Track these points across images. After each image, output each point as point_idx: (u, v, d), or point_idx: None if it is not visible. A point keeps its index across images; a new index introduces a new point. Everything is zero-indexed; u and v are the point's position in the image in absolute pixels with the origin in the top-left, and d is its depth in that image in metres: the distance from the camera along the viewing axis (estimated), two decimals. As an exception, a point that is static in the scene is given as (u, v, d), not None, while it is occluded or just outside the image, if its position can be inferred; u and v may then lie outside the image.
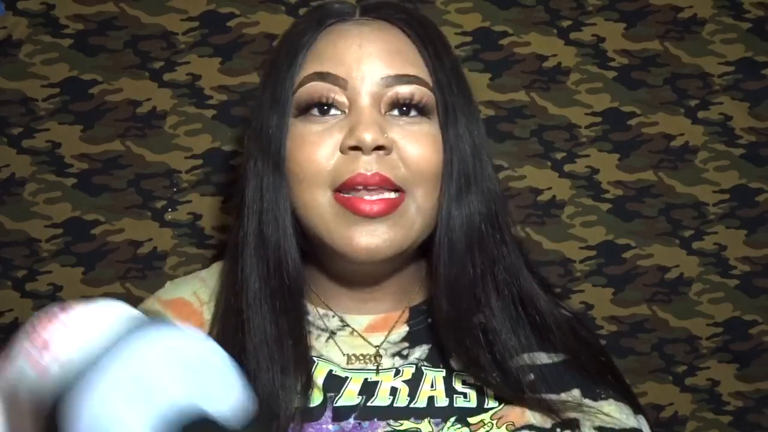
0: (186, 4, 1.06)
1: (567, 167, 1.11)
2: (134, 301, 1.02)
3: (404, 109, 0.69)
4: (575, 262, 1.11)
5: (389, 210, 0.66)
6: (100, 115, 1.05)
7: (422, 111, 0.70)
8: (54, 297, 1.04)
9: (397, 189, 0.67)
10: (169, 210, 1.06)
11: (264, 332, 0.68)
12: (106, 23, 1.05)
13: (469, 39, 1.09)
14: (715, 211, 1.13)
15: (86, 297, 1.03)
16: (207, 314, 0.74)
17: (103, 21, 1.05)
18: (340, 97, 0.68)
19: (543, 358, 0.72)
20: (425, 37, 0.72)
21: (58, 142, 1.04)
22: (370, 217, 0.66)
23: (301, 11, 1.06)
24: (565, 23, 1.10)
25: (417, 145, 0.68)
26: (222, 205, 1.06)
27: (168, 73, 1.05)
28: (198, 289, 0.77)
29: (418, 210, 0.68)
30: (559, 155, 1.10)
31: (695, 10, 1.12)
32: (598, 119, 1.11)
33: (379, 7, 0.74)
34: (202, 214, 1.06)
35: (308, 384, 0.68)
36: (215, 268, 0.79)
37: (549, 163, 1.10)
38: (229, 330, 0.70)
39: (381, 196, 0.66)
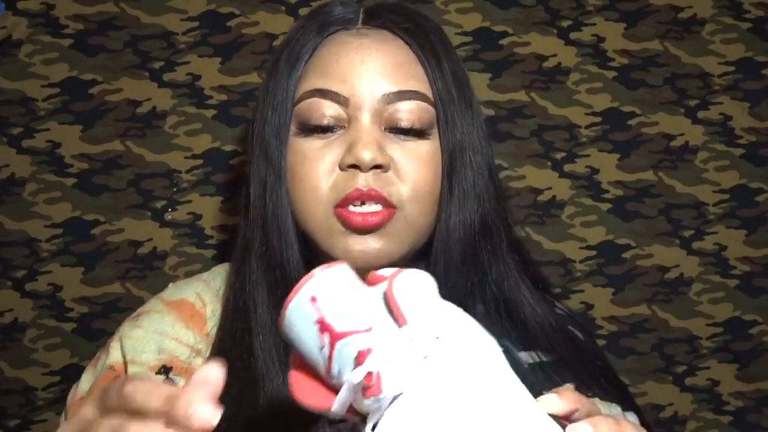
0: (186, 4, 1.05)
1: (567, 167, 1.10)
2: (134, 301, 1.04)
3: (404, 129, 0.69)
4: (575, 262, 1.11)
5: (380, 223, 0.67)
6: (100, 115, 1.04)
7: (421, 132, 0.70)
8: (54, 297, 1.04)
9: (389, 205, 0.68)
10: (169, 210, 1.06)
11: (272, 337, 0.68)
12: (106, 23, 1.04)
13: (469, 39, 1.09)
14: (715, 211, 1.13)
15: (86, 297, 1.04)
16: (210, 314, 0.74)
17: (103, 21, 1.04)
18: (341, 114, 0.69)
19: (531, 358, 0.72)
20: (427, 46, 0.71)
21: (58, 142, 1.04)
22: (362, 229, 0.67)
23: (302, 11, 1.06)
24: (565, 23, 1.10)
25: (414, 165, 0.69)
26: (222, 205, 1.06)
27: (168, 73, 1.05)
28: (201, 290, 0.77)
29: (408, 225, 0.69)
30: (559, 155, 1.10)
31: (695, 10, 1.12)
32: (598, 119, 1.11)
33: (381, 14, 0.73)
34: (202, 214, 1.06)
35: None
36: (217, 270, 0.80)
37: (549, 163, 1.10)
38: (237, 332, 0.70)
39: (371, 209, 0.67)
